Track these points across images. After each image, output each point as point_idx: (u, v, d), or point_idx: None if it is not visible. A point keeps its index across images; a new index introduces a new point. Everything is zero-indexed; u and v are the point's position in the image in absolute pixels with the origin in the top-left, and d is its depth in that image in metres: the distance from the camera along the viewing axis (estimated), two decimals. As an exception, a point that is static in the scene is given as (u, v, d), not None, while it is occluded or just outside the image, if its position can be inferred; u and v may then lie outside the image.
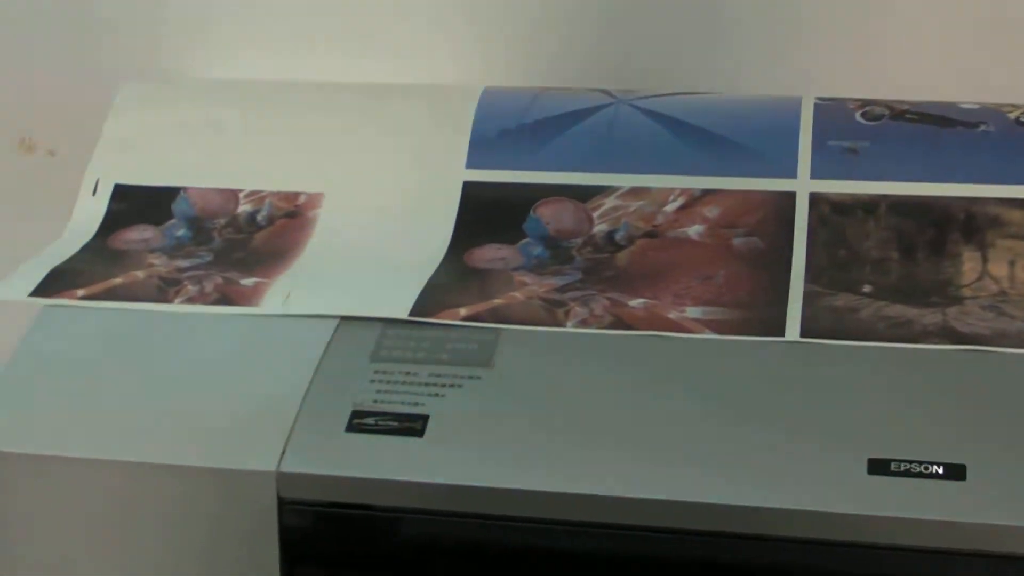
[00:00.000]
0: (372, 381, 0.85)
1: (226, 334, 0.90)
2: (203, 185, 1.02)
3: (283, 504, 0.82)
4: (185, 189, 1.02)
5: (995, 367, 0.83)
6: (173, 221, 1.01)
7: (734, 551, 0.78)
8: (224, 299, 0.93)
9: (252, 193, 1.01)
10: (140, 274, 0.96)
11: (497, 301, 0.91)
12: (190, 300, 0.93)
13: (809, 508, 0.77)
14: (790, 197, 0.94)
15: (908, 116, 0.96)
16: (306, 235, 0.99)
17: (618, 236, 0.95)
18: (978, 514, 0.76)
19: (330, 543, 0.83)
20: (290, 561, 0.82)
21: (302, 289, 0.93)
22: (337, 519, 0.82)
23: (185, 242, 1.00)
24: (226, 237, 1.00)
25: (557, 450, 0.81)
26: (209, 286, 0.95)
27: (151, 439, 0.84)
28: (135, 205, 1.02)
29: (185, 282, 0.95)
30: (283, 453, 0.82)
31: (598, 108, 1.00)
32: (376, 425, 0.83)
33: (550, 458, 0.80)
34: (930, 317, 0.87)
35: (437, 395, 0.84)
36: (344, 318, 0.90)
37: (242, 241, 0.99)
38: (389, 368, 0.86)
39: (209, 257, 0.98)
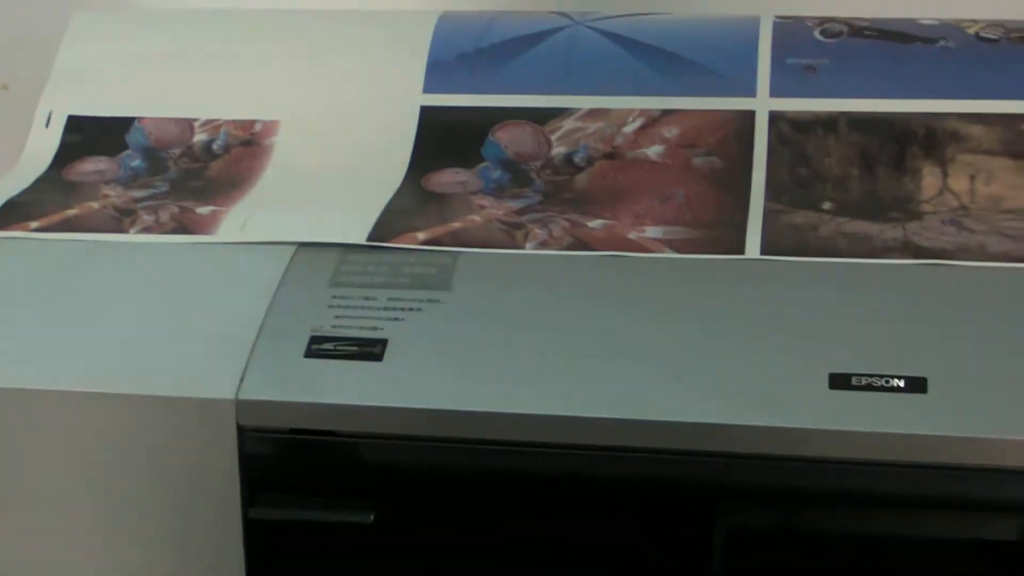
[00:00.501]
0: (331, 306, 0.85)
1: (182, 263, 0.90)
2: (158, 115, 1.01)
3: (243, 432, 0.81)
4: (139, 119, 1.01)
5: (955, 281, 0.83)
6: (128, 152, 1.00)
7: (696, 468, 0.78)
8: (180, 228, 0.92)
9: (207, 122, 1.00)
10: (95, 205, 0.95)
11: (456, 224, 0.90)
12: (146, 230, 0.93)
13: (771, 424, 0.77)
14: (749, 116, 0.94)
15: (867, 33, 0.96)
16: (262, 163, 0.98)
17: (577, 158, 0.94)
18: (940, 427, 0.76)
19: (291, 470, 0.82)
20: (251, 488, 0.82)
21: (259, 216, 0.92)
22: (297, 446, 0.81)
23: (140, 172, 0.99)
24: (182, 167, 0.99)
25: (517, 372, 0.80)
26: (165, 215, 0.94)
27: (108, 369, 0.83)
28: (89, 136, 1.01)
29: (140, 212, 0.94)
30: (241, 380, 0.81)
31: (555, 30, 0.99)
32: (335, 350, 0.82)
33: (510, 380, 0.80)
34: (890, 232, 0.87)
35: (396, 319, 0.84)
36: (302, 244, 0.89)
37: (198, 170, 0.98)
38: (348, 293, 0.86)
39: (165, 187, 0.97)
